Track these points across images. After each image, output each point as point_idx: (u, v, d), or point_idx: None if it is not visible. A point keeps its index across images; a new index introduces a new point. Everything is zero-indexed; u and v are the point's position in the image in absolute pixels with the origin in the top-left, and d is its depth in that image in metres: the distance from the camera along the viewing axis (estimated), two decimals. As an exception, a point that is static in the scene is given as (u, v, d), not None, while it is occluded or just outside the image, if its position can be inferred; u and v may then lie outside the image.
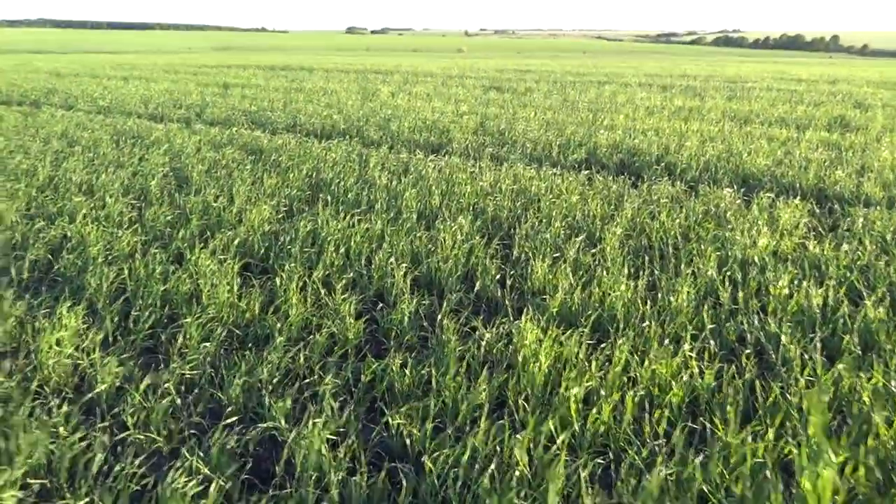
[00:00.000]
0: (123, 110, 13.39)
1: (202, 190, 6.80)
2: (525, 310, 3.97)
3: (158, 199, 6.53)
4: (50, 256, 5.09)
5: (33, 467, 2.73)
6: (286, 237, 5.32)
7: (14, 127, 10.81)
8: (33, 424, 2.98)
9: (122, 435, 2.99)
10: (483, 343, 3.66)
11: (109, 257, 4.99)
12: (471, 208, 6.19)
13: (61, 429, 2.94)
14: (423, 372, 3.39)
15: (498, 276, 4.67)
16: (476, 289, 4.49)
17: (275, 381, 3.36)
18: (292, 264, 4.70)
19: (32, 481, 2.67)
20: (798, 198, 6.54)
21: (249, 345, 3.79)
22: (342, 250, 5.01)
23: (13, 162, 7.90)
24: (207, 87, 19.22)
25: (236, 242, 5.20)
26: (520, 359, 3.40)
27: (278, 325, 3.91)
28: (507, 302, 4.27)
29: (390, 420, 3.00)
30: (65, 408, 3.09)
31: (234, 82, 21.37)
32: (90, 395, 3.26)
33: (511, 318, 3.98)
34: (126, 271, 4.61)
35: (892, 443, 2.65)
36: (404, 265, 4.68)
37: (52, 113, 12.48)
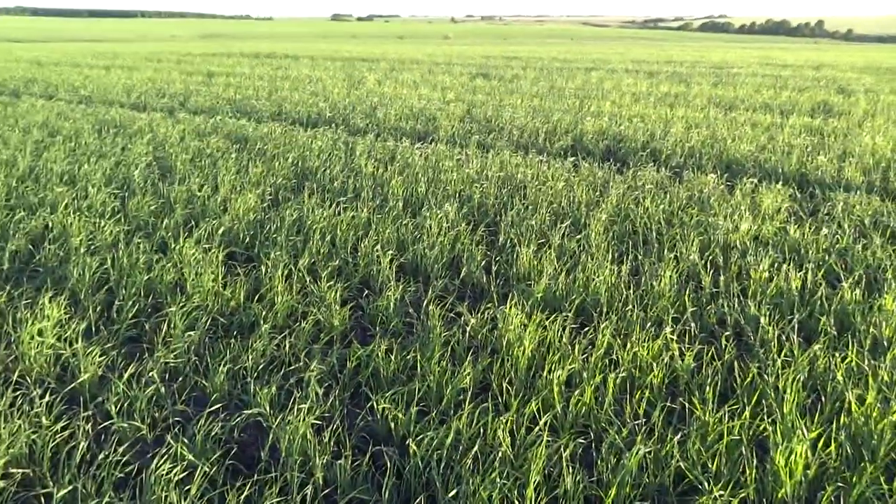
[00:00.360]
0: (105, 100, 13.22)
1: (186, 179, 6.75)
2: (510, 295, 4.01)
3: (142, 188, 6.48)
4: (31, 247, 5.04)
5: (15, 457, 2.73)
6: (272, 226, 5.31)
7: (-6, 117, 10.64)
8: (15, 414, 2.98)
9: (105, 423, 3.00)
10: (468, 328, 3.69)
11: (92, 247, 4.95)
12: (457, 195, 6.20)
13: (44, 418, 2.94)
14: (408, 357, 3.42)
15: (483, 263, 4.69)
16: (462, 275, 4.52)
17: (260, 368, 3.38)
18: (278, 253, 4.70)
19: (14, 470, 2.67)
20: (780, 183, 6.61)
21: (234, 333, 3.79)
22: (328, 238, 5.01)
23: (-8, 153, 7.79)
24: (192, 76, 19.00)
25: (221, 231, 5.18)
26: (504, 343, 3.44)
27: (264, 312, 3.92)
28: (492, 288, 4.30)
29: (375, 405, 3.02)
30: (47, 398, 3.09)
31: (219, 70, 21.13)
32: (73, 385, 3.26)
33: (496, 304, 4.01)
34: (109, 261, 4.58)
35: (863, 419, 2.72)
36: (390, 252, 4.69)
37: (33, 103, 12.29)
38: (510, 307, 3.73)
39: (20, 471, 2.66)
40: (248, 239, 5.16)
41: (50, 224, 5.41)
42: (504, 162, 7.42)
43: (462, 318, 3.82)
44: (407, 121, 10.34)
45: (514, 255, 4.72)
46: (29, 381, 3.33)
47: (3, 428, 2.83)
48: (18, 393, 3.19)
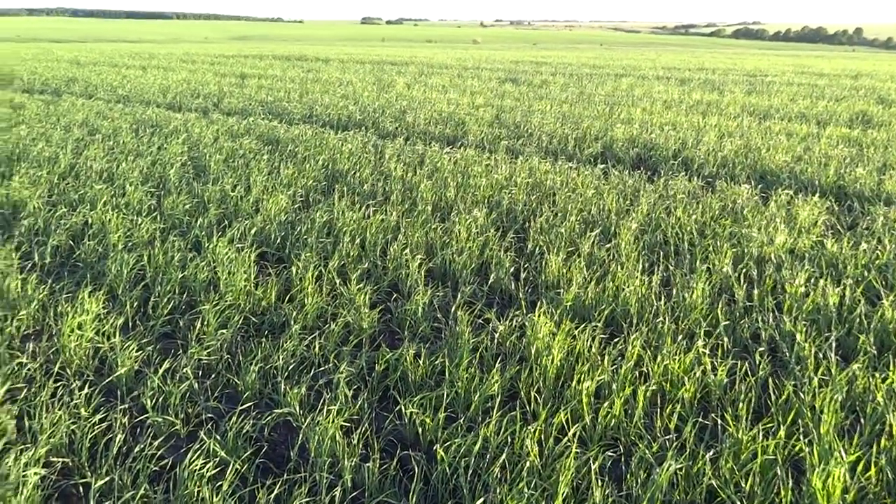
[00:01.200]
0: (142, 99, 13.53)
1: (220, 179, 6.87)
2: (539, 303, 3.99)
3: (177, 187, 6.62)
4: (71, 242, 5.18)
5: (55, 446, 2.80)
6: (302, 227, 5.37)
7: (36, 115, 10.97)
8: (56, 405, 3.07)
9: (141, 417, 3.06)
10: (496, 335, 3.68)
11: (129, 244, 5.07)
12: (486, 201, 6.20)
13: (82, 410, 3.02)
14: (436, 362, 3.43)
15: (512, 269, 4.68)
16: (490, 281, 4.52)
17: (290, 368, 3.42)
18: (308, 254, 4.75)
19: (55, 459, 2.75)
20: (817, 195, 6.47)
21: (265, 332, 3.85)
22: (357, 241, 5.05)
23: (35, 149, 8.02)
24: (225, 77, 19.34)
25: (253, 231, 5.27)
26: (532, 352, 3.42)
27: (294, 313, 3.97)
28: (520, 295, 4.29)
29: (403, 409, 3.04)
30: (86, 390, 3.17)
31: (251, 72, 21.47)
32: (110, 378, 3.34)
33: (524, 311, 4.00)
34: (146, 258, 4.69)
35: (906, 443, 2.64)
36: (419, 257, 4.71)
37: (73, 102, 12.63)
38: (539, 315, 3.71)
39: (60, 460, 2.74)
40: (279, 239, 5.23)
41: (89, 220, 5.55)
42: (533, 168, 7.40)
43: (490, 325, 3.81)
44: (436, 125, 10.38)
45: (543, 263, 4.70)
46: (69, 372, 3.42)
47: (45, 418, 2.92)
48: (59, 384, 3.29)
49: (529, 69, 24.75)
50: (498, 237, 5.18)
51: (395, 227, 5.40)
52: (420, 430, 2.93)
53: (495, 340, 3.65)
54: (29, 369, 3.39)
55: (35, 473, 2.59)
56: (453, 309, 4.02)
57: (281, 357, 3.45)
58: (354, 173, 7.07)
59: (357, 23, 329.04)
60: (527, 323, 3.73)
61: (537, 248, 5.06)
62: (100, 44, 54.54)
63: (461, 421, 2.95)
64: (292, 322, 3.86)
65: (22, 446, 2.76)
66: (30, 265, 4.73)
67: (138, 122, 10.33)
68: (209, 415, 3.12)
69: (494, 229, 5.36)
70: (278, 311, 4.07)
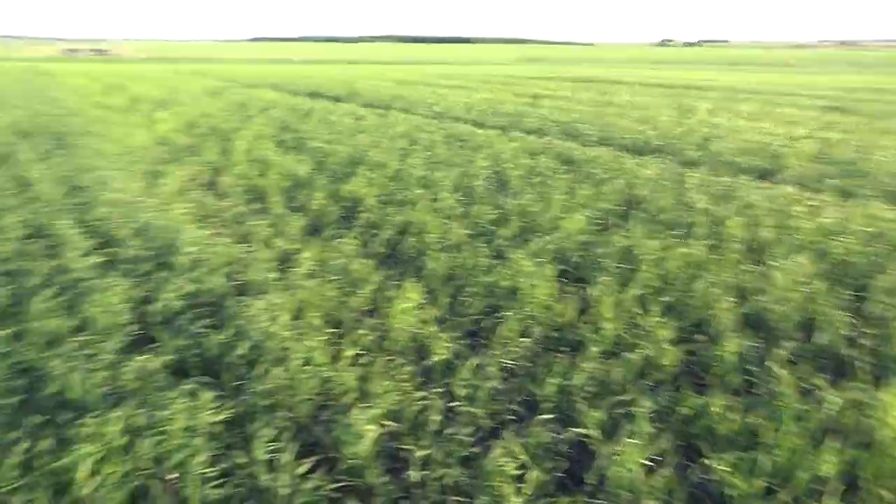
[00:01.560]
0: (452, 116, 15.11)
1: (520, 194, 7.28)
2: (885, 379, 3.33)
3: (482, 198, 7.20)
4: (398, 237, 5.99)
5: (386, 411, 3.24)
6: (600, 249, 5.38)
7: (372, 126, 13.03)
8: (385, 376, 3.56)
9: (452, 403, 3.37)
10: (827, 406, 3.18)
11: (443, 244, 5.66)
12: (810, 247, 5.43)
13: (406, 385, 3.45)
14: (748, 420, 3.09)
15: (846, 332, 4.00)
16: (816, 340, 3.93)
17: (587, 389, 3.42)
18: (606, 277, 4.73)
19: (386, 423, 3.18)
20: None
21: (563, 348, 3.93)
22: (658, 271, 4.86)
23: (371, 154, 9.52)
24: (520, 98, 20.54)
25: (552, 247, 5.44)
26: (880, 438, 2.86)
27: (592, 335, 3.98)
28: (859, 364, 3.64)
29: (711, 465, 2.80)
30: (408, 368, 3.62)
31: (544, 93, 22.42)
32: (427, 363, 3.76)
33: (865, 386, 3.38)
34: (456, 259, 5.19)
35: None
36: (728, 298, 4.33)
37: (398, 116, 14.71)
38: (888, 395, 3.09)
39: (392, 424, 3.15)
40: (577, 258, 5.32)
41: (411, 220, 6.36)
42: (873, 214, 6.26)
43: (818, 393, 3.31)
44: (745, 156, 9.49)
45: (890, 331, 3.92)
46: (395, 350, 3.95)
47: (378, 385, 3.41)
48: (388, 358, 3.81)
49: (863, 97, 21.12)
50: (826, 291, 4.49)
51: (701, 263, 5.06)
52: (732, 493, 2.66)
53: (826, 412, 3.15)
54: (368, 340, 4.00)
55: (371, 430, 3.03)
56: (770, 363, 3.59)
57: (579, 376, 3.48)
58: (653, 200, 6.84)
59: (653, 45, 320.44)
60: (870, 400, 3.15)
61: (881, 312, 4.24)
62: (418, 66, 62.77)
63: (782, 495, 2.60)
64: (589, 343, 3.87)
65: (361, 405, 3.26)
66: (367, 252, 5.60)
67: (449, 136, 11.56)
68: (510, 416, 3.29)
69: (822, 281, 4.65)
70: (575, 330, 4.12)
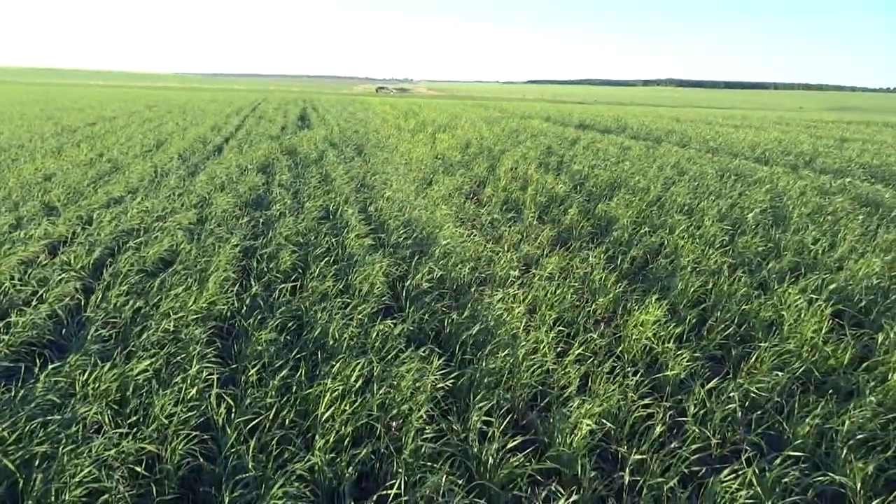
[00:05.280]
0: (730, 151, 13.89)
1: (800, 230, 6.36)
2: None
3: (752, 230, 6.47)
4: (647, 256, 5.71)
5: (605, 412, 3.09)
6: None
7: (637, 156, 12.67)
8: (610, 379, 3.40)
9: (679, 419, 3.07)
10: None
11: (697, 269, 5.22)
12: None
13: (630, 393, 3.24)
14: None
15: None
16: None
17: (853, 438, 2.81)
18: (903, 327, 3.84)
19: (603, 422, 3.03)
20: None
21: (829, 391, 3.30)
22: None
23: (633, 181, 9.25)
24: (820, 139, 17.95)
25: (832, 287, 4.63)
26: None
27: (870, 384, 3.26)
28: None
29: None
30: (636, 378, 3.40)
31: (853, 137, 19.24)
32: (658, 376, 3.49)
33: None
34: (710, 284, 4.74)
35: None
36: None
37: (669, 148, 14.04)
38: None
39: (608, 425, 3.00)
40: (863, 302, 4.43)
41: (665, 242, 6.00)
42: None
43: None
44: None
45: None
46: (625, 358, 3.76)
47: (601, 386, 3.28)
48: (616, 365, 3.64)
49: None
50: None
51: None
52: None
53: None
54: (600, 344, 3.88)
55: (587, 425, 2.92)
56: None
57: (845, 422, 2.88)
58: None
59: None
60: None
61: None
62: (697, 109, 59.27)
63: None
64: (866, 391, 3.18)
65: (580, 399, 3.16)
66: (612, 266, 5.44)
67: (723, 170, 10.64)
68: (747, 447, 2.86)
69: None
70: (847, 376, 3.43)
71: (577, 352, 3.74)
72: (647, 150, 13.44)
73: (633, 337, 3.94)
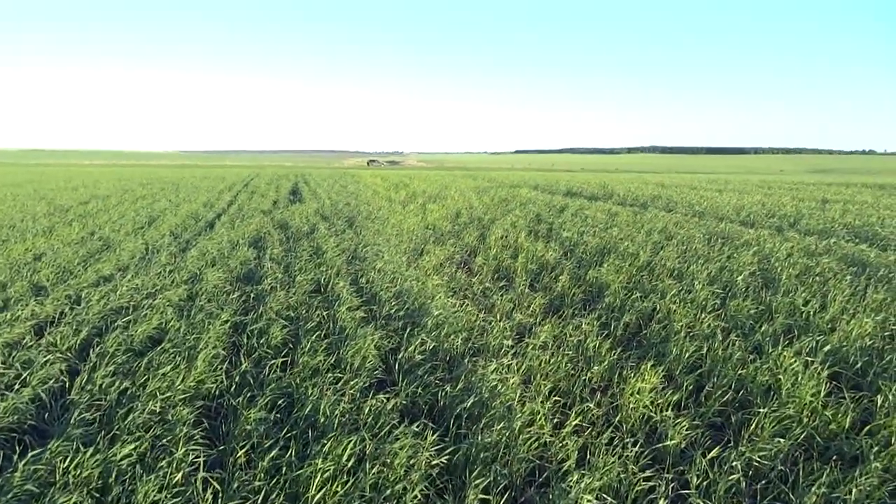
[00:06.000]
0: (716, 215, 14.16)
1: (790, 292, 6.40)
2: None
3: (743, 292, 6.50)
4: (639, 322, 5.70)
5: (606, 485, 2.99)
6: (893, 357, 4.38)
7: (625, 222, 12.87)
8: (609, 451, 3.31)
9: (683, 491, 2.98)
10: None
11: (691, 334, 5.20)
12: None
13: (630, 465, 3.15)
14: None
15: None
16: None
17: (865, 510, 2.73)
18: (901, 388, 3.80)
19: (605, 496, 2.93)
20: None
21: (833, 457, 3.22)
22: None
23: (622, 246, 9.35)
24: (803, 201, 18.36)
25: (826, 349, 4.61)
26: None
27: (874, 449, 3.20)
28: None
29: None
30: (636, 448, 3.32)
31: (835, 198, 19.71)
32: (658, 446, 3.41)
33: None
34: (705, 349, 4.71)
35: None
36: None
37: (655, 213, 14.29)
38: None
39: (609, 500, 2.90)
40: (859, 364, 4.41)
41: (657, 307, 6.00)
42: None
43: None
44: None
45: None
46: (624, 428, 3.68)
47: (600, 458, 3.19)
48: (615, 435, 3.56)
49: None
50: None
51: None
52: None
53: None
54: (595, 416, 3.81)
55: (588, 501, 2.82)
56: None
57: (852, 490, 2.80)
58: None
59: None
60: None
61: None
62: (681, 174, 60.87)
63: None
64: (871, 457, 3.11)
65: (579, 473, 3.07)
66: (606, 333, 5.41)
67: (710, 234, 10.80)
68: (755, 521, 2.77)
69: None
70: (850, 441, 3.36)
71: (574, 423, 3.66)
72: (635, 216, 13.66)
73: (631, 405, 3.87)
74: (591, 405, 3.92)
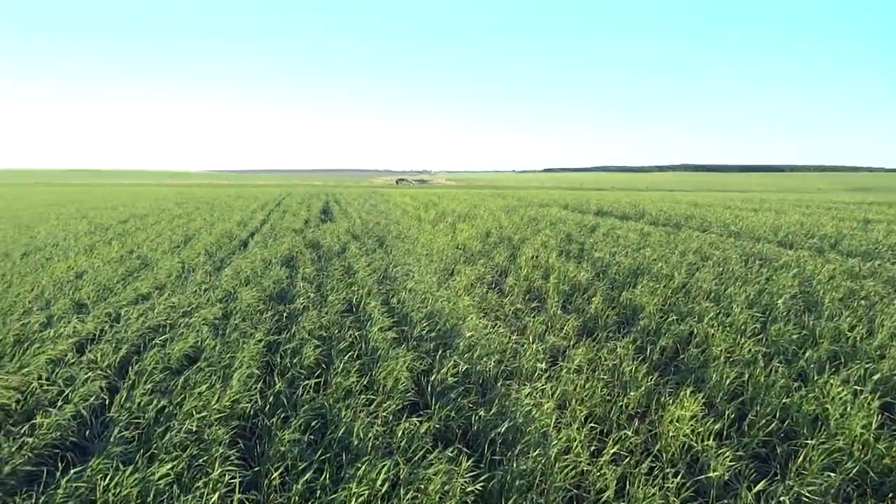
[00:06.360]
0: (752, 235, 13.85)
1: (834, 317, 6.19)
2: None
3: (784, 316, 6.31)
4: (677, 346, 5.57)
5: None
6: (951, 387, 4.19)
7: (658, 242, 12.68)
8: (650, 481, 3.22)
9: (728, 528, 2.87)
10: None
11: (731, 359, 5.06)
12: None
13: (672, 496, 3.05)
14: None
15: None
16: None
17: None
18: (960, 421, 3.62)
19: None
20: None
21: (888, 494, 3.07)
22: None
23: (656, 267, 9.20)
24: (843, 221, 17.85)
25: (876, 378, 4.43)
26: None
27: (934, 486, 3.04)
28: None
29: None
30: (677, 479, 3.21)
31: (877, 218, 19.12)
32: (701, 478, 3.29)
33: None
34: (746, 375, 4.57)
35: None
36: None
37: (689, 233, 14.05)
38: None
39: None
40: (913, 394, 4.22)
41: (694, 331, 5.86)
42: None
43: None
44: None
45: None
46: (664, 457, 3.57)
47: (640, 490, 3.09)
48: (655, 465, 3.46)
49: None
50: None
51: None
52: None
53: None
54: (633, 442, 3.71)
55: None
56: None
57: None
58: None
59: None
60: None
61: None
62: (713, 192, 59.87)
63: None
64: (931, 496, 2.95)
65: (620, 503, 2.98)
66: (641, 357, 5.30)
67: (747, 255, 10.56)
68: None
69: None
70: (907, 477, 3.20)
71: (611, 451, 3.58)
72: (668, 236, 13.45)
73: (671, 434, 3.77)
74: (629, 432, 3.82)
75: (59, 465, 3.30)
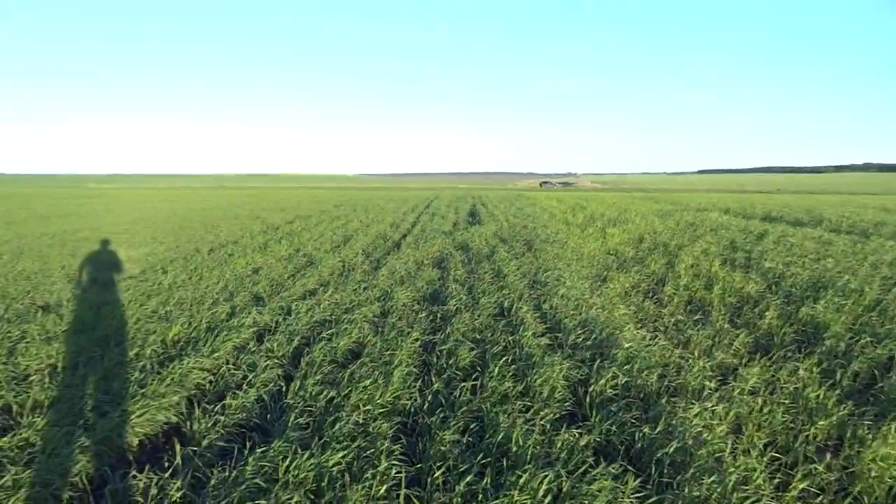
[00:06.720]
0: (964, 247, 11.79)
1: None
2: None
3: None
4: (874, 372, 4.87)
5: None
6: None
7: (842, 252, 11.23)
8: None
9: None
10: None
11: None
12: None
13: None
14: None
15: None
16: None
17: None
18: None
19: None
20: None
21: None
22: None
23: (841, 281, 8.15)
24: None
25: None
26: None
27: None
28: None
29: None
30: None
31: None
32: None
33: None
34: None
35: None
36: None
37: (881, 243, 12.31)
38: None
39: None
40: None
41: (895, 356, 5.10)
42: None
43: None
44: None
45: None
46: (865, 502, 3.11)
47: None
48: (854, 507, 3.03)
49: None
50: None
51: None
52: None
53: None
54: (826, 479, 3.28)
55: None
56: None
57: None
58: None
59: None
60: None
61: None
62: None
63: None
64: None
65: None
66: (830, 382, 4.70)
67: (960, 269, 9.00)
68: None
69: None
70: None
71: (800, 486, 3.19)
72: (854, 246, 11.89)
73: (873, 473, 3.28)
74: (819, 467, 3.39)
75: (247, 443, 3.63)
